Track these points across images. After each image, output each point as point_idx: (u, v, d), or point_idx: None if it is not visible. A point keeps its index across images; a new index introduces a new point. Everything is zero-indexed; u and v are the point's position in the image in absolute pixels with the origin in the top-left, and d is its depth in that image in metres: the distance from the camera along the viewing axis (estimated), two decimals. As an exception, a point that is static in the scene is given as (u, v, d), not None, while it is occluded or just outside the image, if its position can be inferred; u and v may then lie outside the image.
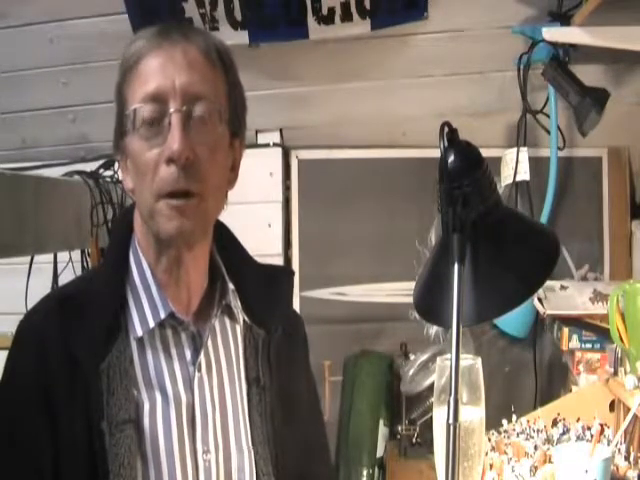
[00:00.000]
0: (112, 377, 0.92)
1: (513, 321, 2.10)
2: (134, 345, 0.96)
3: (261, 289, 1.06)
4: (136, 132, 0.93)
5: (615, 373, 1.55)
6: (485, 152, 0.93)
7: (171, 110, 0.91)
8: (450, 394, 0.82)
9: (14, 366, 0.96)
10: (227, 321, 1.05)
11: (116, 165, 1.97)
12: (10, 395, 0.95)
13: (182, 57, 0.93)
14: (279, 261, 2.21)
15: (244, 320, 1.05)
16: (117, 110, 0.97)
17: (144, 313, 0.97)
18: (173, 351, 0.98)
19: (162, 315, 0.97)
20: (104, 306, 0.96)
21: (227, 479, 0.98)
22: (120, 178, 1.85)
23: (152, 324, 0.96)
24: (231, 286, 1.04)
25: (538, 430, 1.55)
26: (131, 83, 0.95)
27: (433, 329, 2.19)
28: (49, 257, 1.97)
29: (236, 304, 1.05)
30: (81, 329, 0.93)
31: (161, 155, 0.91)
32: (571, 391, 1.80)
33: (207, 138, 0.94)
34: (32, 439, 0.92)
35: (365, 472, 2.02)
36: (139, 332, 0.96)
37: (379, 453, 2.04)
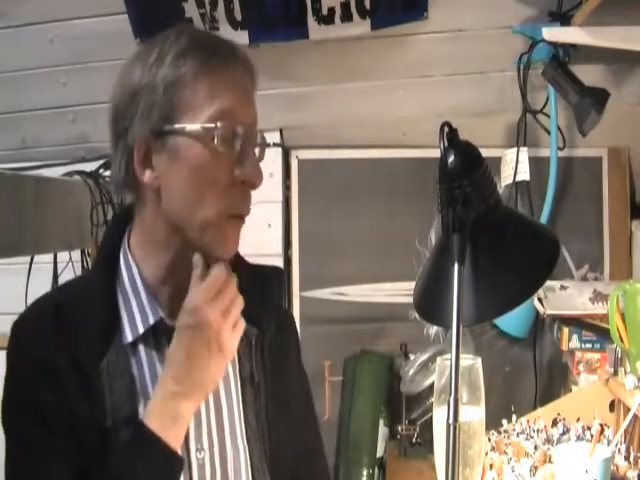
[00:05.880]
0: (111, 377, 0.93)
1: (513, 321, 2.10)
2: (129, 347, 0.97)
3: (252, 288, 1.06)
4: (208, 145, 0.93)
5: (615, 373, 1.55)
6: (485, 152, 0.93)
7: (252, 139, 0.96)
8: (450, 394, 0.82)
9: (16, 376, 0.96)
10: None
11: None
12: (19, 407, 0.96)
13: (248, 83, 0.98)
14: (279, 261, 2.21)
15: None
16: (158, 104, 0.93)
17: (134, 318, 0.98)
18: (167, 351, 0.99)
19: (151, 321, 0.98)
20: (96, 311, 0.97)
21: (223, 476, 0.99)
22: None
23: (141, 330, 0.98)
24: None
25: (538, 430, 1.55)
26: (196, 89, 0.93)
27: (433, 329, 2.19)
28: (49, 257, 1.97)
29: None
30: (77, 333, 0.94)
31: (235, 176, 0.95)
32: (571, 391, 1.80)
33: None
34: (46, 444, 0.92)
35: (365, 472, 2.03)
36: (129, 337, 0.97)
37: (379, 453, 2.04)
